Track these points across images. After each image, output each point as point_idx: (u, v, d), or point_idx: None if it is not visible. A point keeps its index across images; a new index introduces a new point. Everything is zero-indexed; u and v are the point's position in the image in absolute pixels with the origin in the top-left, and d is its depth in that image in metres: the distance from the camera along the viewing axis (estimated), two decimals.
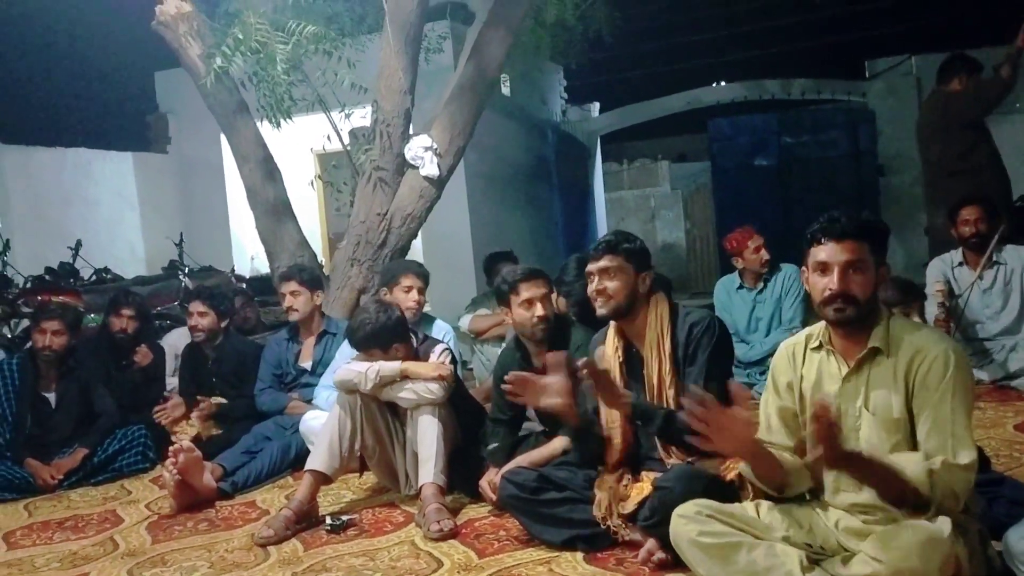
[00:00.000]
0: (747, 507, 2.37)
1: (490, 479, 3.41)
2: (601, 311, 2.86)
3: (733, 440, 2.22)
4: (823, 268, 2.24)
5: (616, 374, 2.88)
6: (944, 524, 2.05)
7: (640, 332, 2.87)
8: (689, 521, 2.31)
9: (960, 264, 4.97)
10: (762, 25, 14.44)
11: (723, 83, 12.14)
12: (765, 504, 2.36)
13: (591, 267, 2.89)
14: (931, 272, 5.04)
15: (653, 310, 2.86)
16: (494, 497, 3.35)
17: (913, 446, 2.17)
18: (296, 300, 4.60)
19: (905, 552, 1.99)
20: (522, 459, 3.36)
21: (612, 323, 2.95)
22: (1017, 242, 4.97)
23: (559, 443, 3.38)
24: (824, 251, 2.24)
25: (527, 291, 3.44)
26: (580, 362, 2.72)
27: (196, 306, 4.85)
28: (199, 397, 4.73)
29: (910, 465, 2.10)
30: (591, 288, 2.88)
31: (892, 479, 2.09)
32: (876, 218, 2.38)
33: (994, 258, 4.88)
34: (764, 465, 2.29)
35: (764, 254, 5.36)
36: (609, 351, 2.93)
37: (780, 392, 2.42)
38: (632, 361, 2.90)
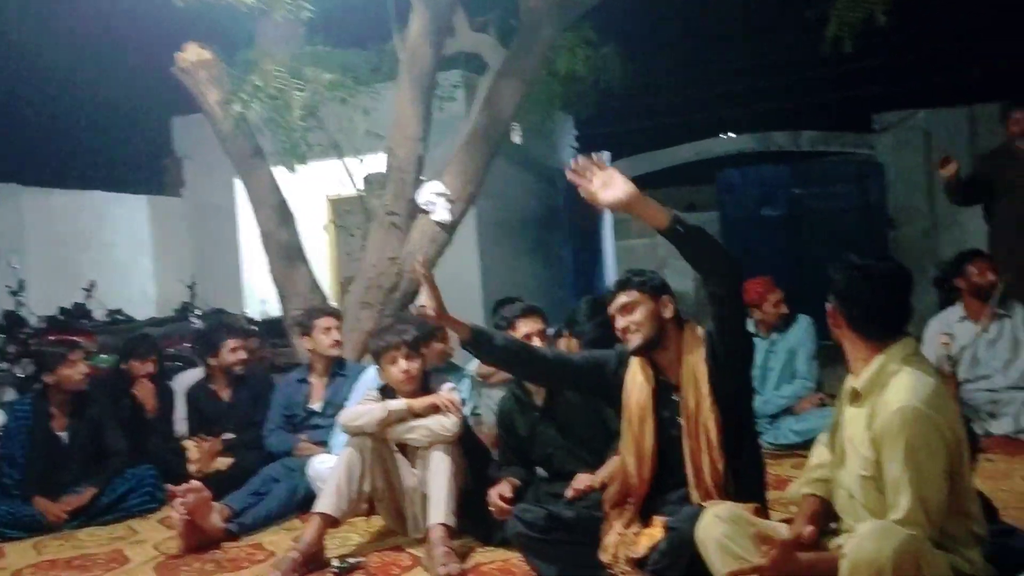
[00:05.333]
0: (779, 527, 2.40)
1: (500, 490, 3.42)
2: (632, 345, 2.86)
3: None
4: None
5: (648, 403, 2.88)
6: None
7: (671, 362, 2.87)
8: (722, 522, 2.33)
9: (962, 319, 4.98)
10: (772, 79, 14.64)
11: (732, 135, 12.27)
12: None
13: (611, 309, 2.90)
14: (932, 328, 5.03)
15: (688, 339, 2.85)
16: (501, 506, 3.36)
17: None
18: (340, 334, 4.71)
19: (859, 540, 2.05)
20: None
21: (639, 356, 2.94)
22: None
23: None
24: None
25: (524, 326, 3.53)
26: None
27: (251, 343, 5.04)
28: (202, 437, 4.79)
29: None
30: (618, 328, 2.88)
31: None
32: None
33: (999, 310, 4.90)
34: None
35: (783, 308, 5.30)
36: (638, 379, 2.93)
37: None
38: (662, 390, 2.90)
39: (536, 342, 3.53)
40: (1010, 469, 4.12)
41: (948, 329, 4.96)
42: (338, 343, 4.70)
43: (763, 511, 2.75)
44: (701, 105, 14.91)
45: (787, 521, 2.61)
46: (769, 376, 5.34)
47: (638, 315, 2.84)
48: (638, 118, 14.55)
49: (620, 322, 2.87)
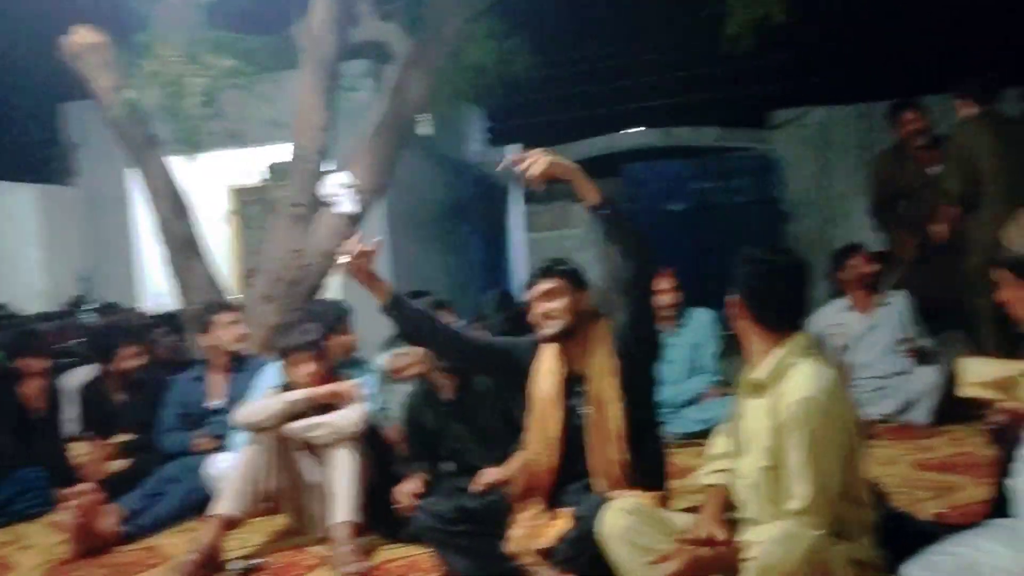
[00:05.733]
0: (680, 517, 2.44)
1: (409, 487, 3.38)
2: (548, 332, 2.88)
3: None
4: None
5: (556, 392, 2.91)
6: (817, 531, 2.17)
7: (580, 353, 2.90)
8: (625, 515, 2.36)
9: (848, 309, 5.19)
10: (676, 75, 14.91)
11: (638, 129, 12.47)
12: None
13: (532, 293, 2.92)
14: (818, 319, 5.21)
15: (598, 332, 2.90)
16: (408, 503, 3.32)
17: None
18: (243, 327, 4.59)
19: (768, 546, 2.09)
20: None
21: (552, 345, 2.96)
22: None
23: None
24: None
25: None
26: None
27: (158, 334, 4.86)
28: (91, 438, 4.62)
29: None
30: (535, 313, 2.90)
31: None
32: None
33: (883, 300, 5.14)
34: None
35: (666, 298, 5.30)
36: (548, 368, 2.95)
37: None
38: (570, 381, 2.93)
39: None
40: (897, 455, 4.31)
41: (835, 320, 5.15)
42: (243, 336, 4.58)
43: (665, 499, 2.81)
44: (608, 100, 15.09)
45: (689, 510, 2.65)
46: (672, 369, 5.43)
47: (559, 303, 2.87)
48: (546, 112, 14.62)
49: (539, 308, 2.89)
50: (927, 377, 4.87)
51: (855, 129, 10.82)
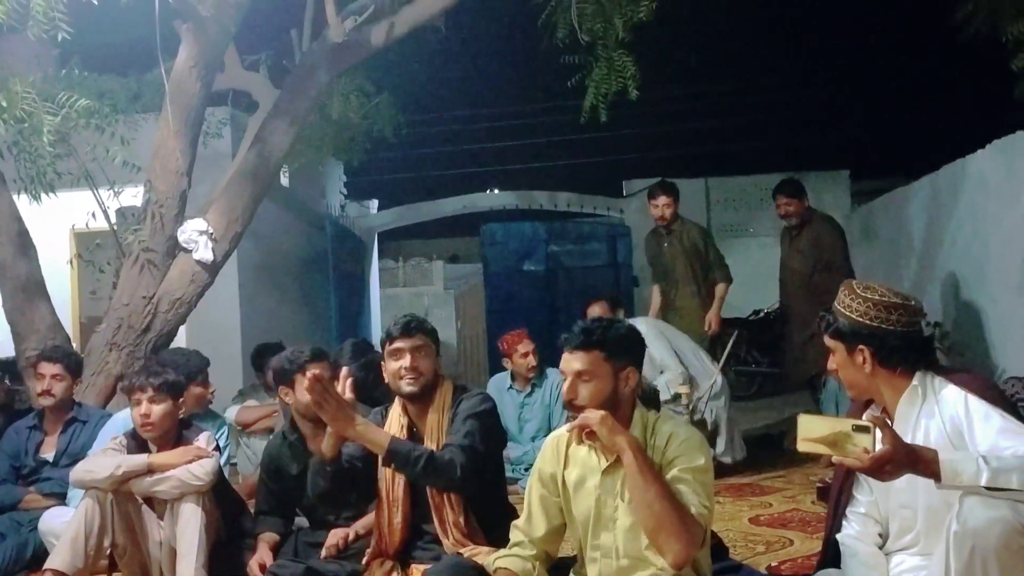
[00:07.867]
0: None
1: (260, 559, 3.29)
2: (410, 388, 2.88)
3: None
4: (564, 375, 2.46)
5: None
6: None
7: (424, 411, 2.94)
8: None
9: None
10: (536, 140, 15.45)
11: (496, 190, 12.78)
12: None
13: (403, 344, 2.87)
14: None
15: (440, 392, 2.95)
16: (258, 574, 3.23)
17: None
18: (56, 384, 4.27)
19: None
20: None
21: (398, 400, 2.98)
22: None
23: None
24: (562, 361, 2.47)
25: (316, 370, 3.46)
26: (308, 374, 2.78)
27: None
28: None
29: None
30: (400, 365, 2.88)
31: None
32: (617, 326, 2.53)
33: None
34: None
35: (531, 360, 5.53)
36: (394, 427, 2.96)
37: (544, 481, 2.56)
38: (412, 439, 2.95)
39: None
40: (736, 511, 4.54)
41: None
42: (47, 393, 4.30)
43: None
44: (469, 160, 15.44)
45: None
46: (525, 429, 5.56)
47: (427, 362, 2.90)
48: (408, 168, 14.79)
49: (405, 361, 2.86)
50: None
51: (699, 200, 11.49)
